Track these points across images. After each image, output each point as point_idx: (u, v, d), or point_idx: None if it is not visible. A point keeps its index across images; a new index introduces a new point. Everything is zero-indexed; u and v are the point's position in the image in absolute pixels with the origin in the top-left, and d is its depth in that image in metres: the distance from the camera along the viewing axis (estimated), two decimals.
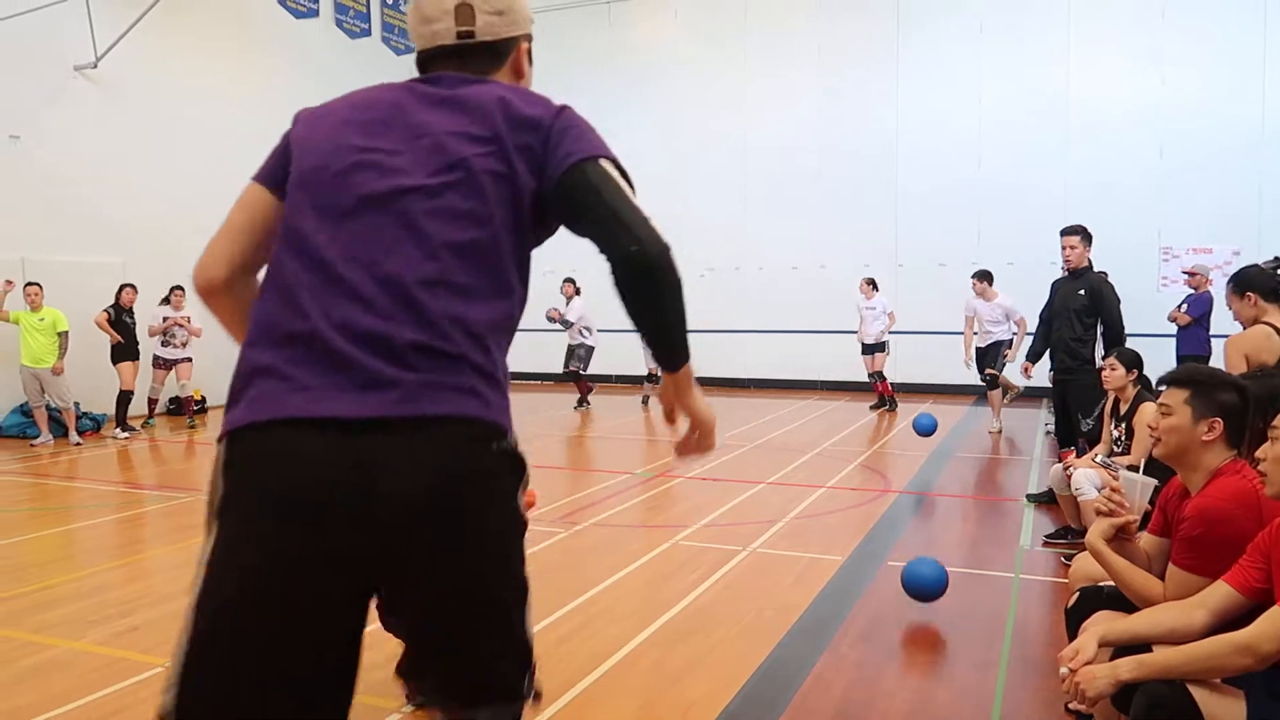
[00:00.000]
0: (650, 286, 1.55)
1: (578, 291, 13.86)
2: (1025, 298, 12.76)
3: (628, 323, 1.58)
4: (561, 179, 1.60)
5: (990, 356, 11.00)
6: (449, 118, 1.63)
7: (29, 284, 10.59)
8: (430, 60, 1.80)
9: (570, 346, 13.95)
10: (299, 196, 1.60)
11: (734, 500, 7.36)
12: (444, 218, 1.54)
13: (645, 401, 14.15)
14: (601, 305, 16.00)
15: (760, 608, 4.84)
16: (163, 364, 11.89)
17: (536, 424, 11.87)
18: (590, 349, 13.89)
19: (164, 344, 11.82)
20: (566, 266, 13.93)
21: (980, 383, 11.53)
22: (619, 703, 3.66)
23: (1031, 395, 13.72)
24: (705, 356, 16.44)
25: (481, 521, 1.49)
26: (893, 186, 15.34)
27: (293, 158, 1.67)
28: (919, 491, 7.73)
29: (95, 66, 12.10)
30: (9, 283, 10.44)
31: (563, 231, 1.74)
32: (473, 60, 1.76)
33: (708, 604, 4.89)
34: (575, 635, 4.41)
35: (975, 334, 11.21)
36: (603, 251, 1.57)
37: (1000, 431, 10.92)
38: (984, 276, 11.12)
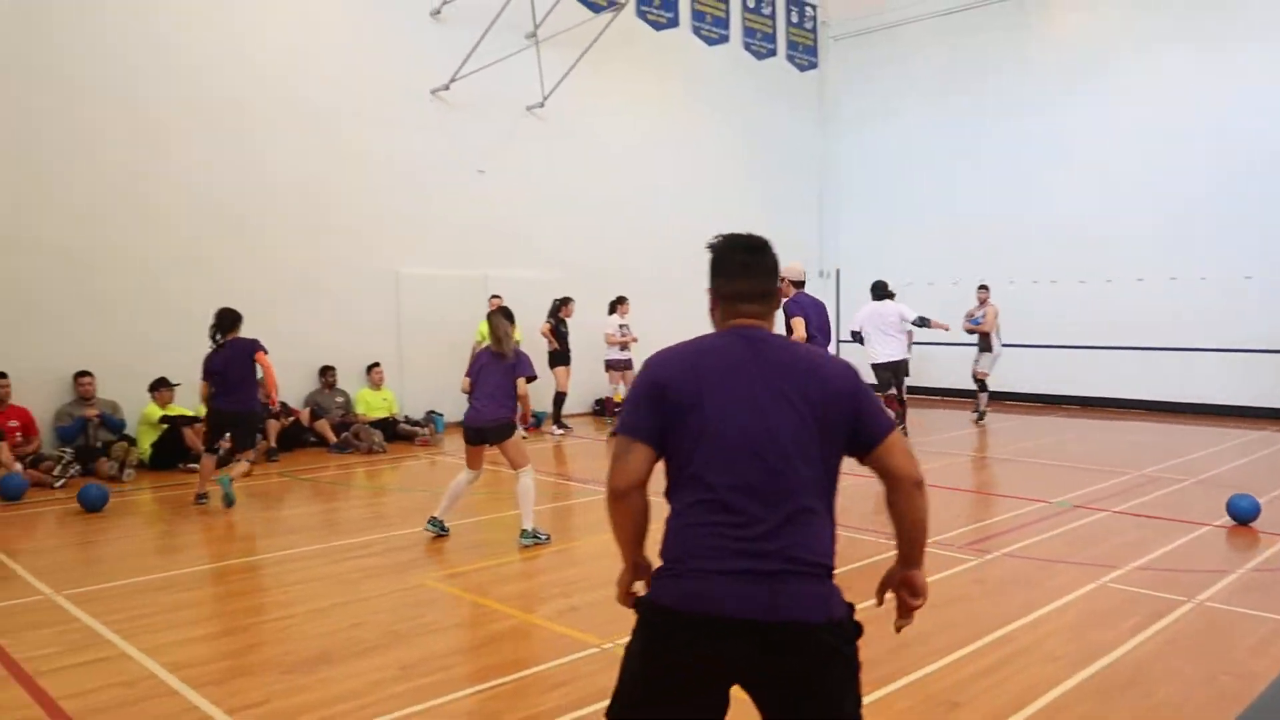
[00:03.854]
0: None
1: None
2: None
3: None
4: None
5: None
6: None
7: (493, 296, 12.38)
8: None
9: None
10: None
11: (1173, 542, 6.53)
12: None
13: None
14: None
15: (1214, 672, 4.24)
16: (620, 365, 13.26)
17: (939, 443, 11.45)
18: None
19: (621, 349, 13.19)
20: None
21: None
22: None
23: None
24: (1139, 375, 14.74)
25: None
26: None
27: None
28: None
29: (542, 105, 13.79)
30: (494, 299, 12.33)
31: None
32: None
33: (1147, 658, 4.39)
34: (996, 670, 4.19)
35: None
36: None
37: None
38: None
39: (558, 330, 12.76)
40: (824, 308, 8.26)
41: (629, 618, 4.97)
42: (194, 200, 10.66)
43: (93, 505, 7.72)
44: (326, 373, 11.63)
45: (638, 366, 12.32)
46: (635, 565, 2.40)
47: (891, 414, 11.31)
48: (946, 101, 16.91)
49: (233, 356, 8.01)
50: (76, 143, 9.86)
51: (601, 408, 14.12)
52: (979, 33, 16.51)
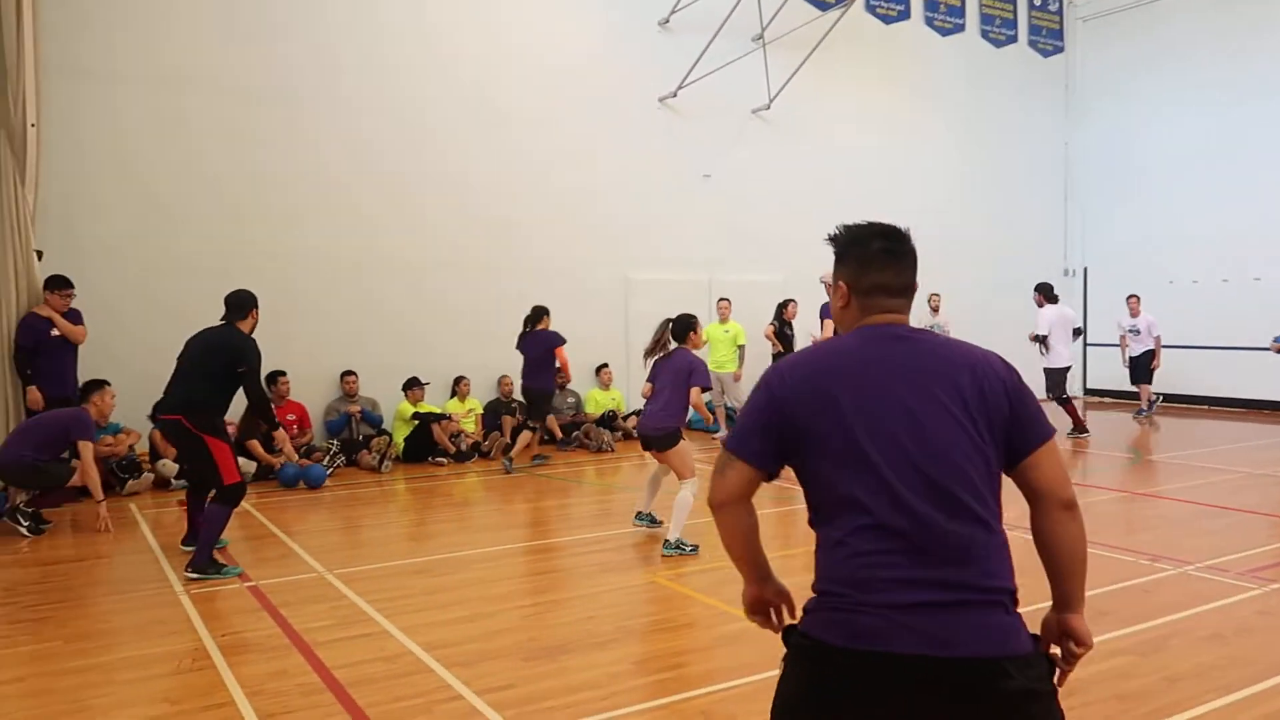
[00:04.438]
0: None
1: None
2: None
3: None
4: None
5: None
6: None
7: (721, 299, 12.46)
8: None
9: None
10: None
11: None
12: None
13: None
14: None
15: None
16: None
17: (1230, 456, 10.36)
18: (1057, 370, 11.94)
19: None
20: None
21: None
22: None
23: None
24: None
25: None
26: None
27: None
28: None
29: (768, 108, 13.73)
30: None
31: None
32: None
33: None
34: None
35: None
36: None
37: None
38: None
39: (781, 332, 12.64)
40: None
41: None
42: (438, 214, 11.44)
43: (290, 483, 9.14)
44: (558, 373, 12.11)
45: None
46: (762, 581, 2.21)
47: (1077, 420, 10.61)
48: (1211, 83, 15.25)
49: (531, 344, 10.04)
50: (325, 162, 10.86)
51: None
52: (1250, 5, 14.80)
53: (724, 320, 12.26)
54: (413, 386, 10.74)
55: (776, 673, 4.40)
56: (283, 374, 10.02)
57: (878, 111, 15.08)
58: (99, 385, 8.03)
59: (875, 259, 2.14)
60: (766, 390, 2.08)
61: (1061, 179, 17.47)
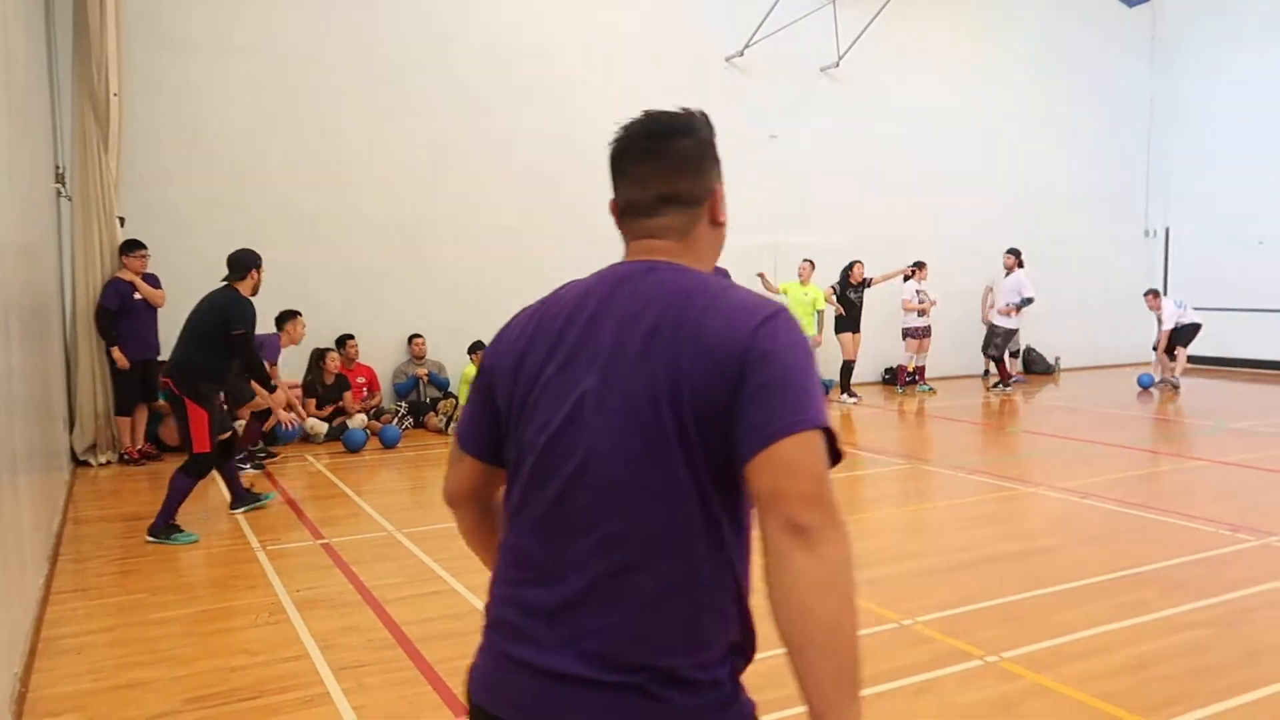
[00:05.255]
0: None
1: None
2: None
3: None
4: None
5: None
6: None
7: (805, 259, 12.19)
8: None
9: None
10: None
11: None
12: None
13: None
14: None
15: None
16: (918, 333, 12.93)
17: None
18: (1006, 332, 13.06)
19: (918, 315, 12.87)
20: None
21: None
22: None
23: None
24: None
25: None
26: None
27: None
28: None
29: (837, 66, 13.42)
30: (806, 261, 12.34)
31: None
32: None
33: None
34: None
35: None
36: None
37: None
38: None
39: (844, 295, 12.41)
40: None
41: (928, 594, 4.81)
42: (502, 179, 11.45)
43: (355, 448, 9.13)
44: None
45: (937, 334, 12.06)
46: None
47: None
48: None
49: None
50: (394, 128, 10.94)
51: (892, 376, 13.65)
52: None
53: (804, 282, 12.06)
54: (478, 350, 10.86)
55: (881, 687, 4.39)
56: (351, 337, 10.21)
57: (949, 68, 14.64)
58: (292, 315, 8.12)
59: (634, 163, 1.57)
60: (483, 357, 1.60)
61: (1144, 136, 16.78)
